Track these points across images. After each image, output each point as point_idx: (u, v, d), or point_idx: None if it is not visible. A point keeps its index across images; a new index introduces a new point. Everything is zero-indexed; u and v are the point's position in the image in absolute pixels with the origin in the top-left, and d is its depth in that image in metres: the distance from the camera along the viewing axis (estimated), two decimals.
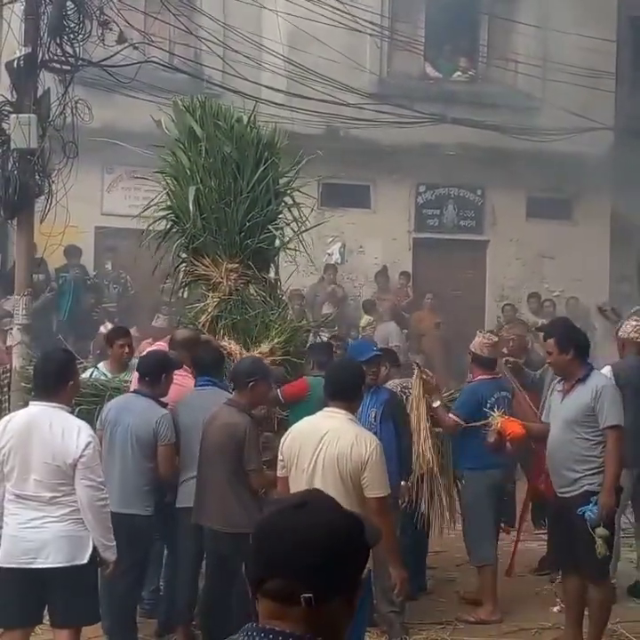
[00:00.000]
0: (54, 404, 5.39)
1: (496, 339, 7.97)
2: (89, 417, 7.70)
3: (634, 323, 8.13)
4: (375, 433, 6.33)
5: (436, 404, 7.61)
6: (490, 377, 7.66)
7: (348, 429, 5.29)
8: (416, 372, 7.79)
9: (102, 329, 13.25)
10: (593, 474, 6.42)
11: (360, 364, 6.22)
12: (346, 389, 5.45)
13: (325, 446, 5.25)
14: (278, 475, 5.50)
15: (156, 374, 6.57)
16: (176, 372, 6.92)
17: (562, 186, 16.67)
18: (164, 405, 6.63)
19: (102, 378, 8.17)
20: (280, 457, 5.47)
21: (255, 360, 6.84)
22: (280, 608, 1.95)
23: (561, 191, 17.25)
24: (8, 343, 10.93)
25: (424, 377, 7.69)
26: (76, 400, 7.70)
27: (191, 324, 8.31)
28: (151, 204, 8.79)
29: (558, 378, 6.83)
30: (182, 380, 7.11)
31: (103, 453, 6.36)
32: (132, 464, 6.47)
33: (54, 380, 5.45)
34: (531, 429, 7.00)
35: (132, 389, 6.87)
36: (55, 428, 5.32)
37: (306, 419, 5.59)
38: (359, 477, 5.17)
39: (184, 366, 7.17)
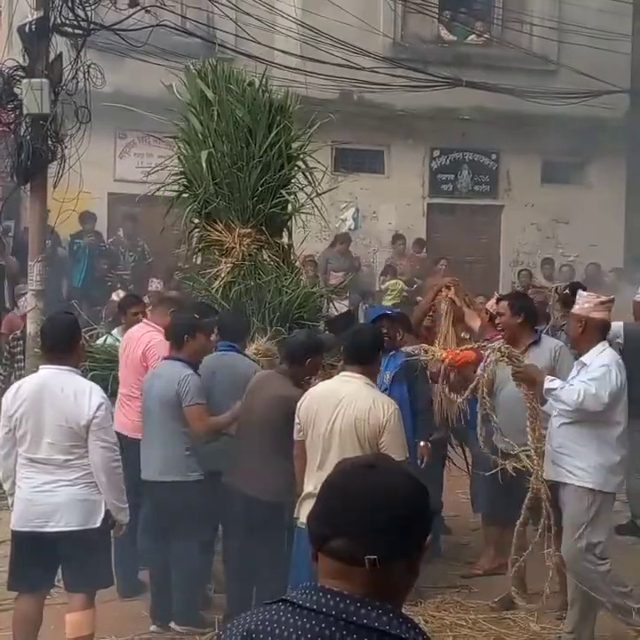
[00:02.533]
0: (64, 367, 5.42)
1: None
2: (103, 383, 7.74)
3: None
4: (388, 395, 6.37)
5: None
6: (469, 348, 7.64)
7: (365, 394, 5.32)
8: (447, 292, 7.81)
9: (114, 296, 13.24)
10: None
11: (378, 327, 6.23)
12: (362, 353, 5.48)
13: (343, 410, 5.27)
14: (295, 438, 5.53)
15: (178, 337, 6.53)
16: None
17: (577, 150, 16.53)
18: (195, 367, 6.55)
19: (116, 344, 8.20)
20: (297, 421, 5.49)
21: (310, 334, 6.72)
22: (342, 568, 1.95)
23: (576, 155, 17.11)
24: (23, 309, 10.95)
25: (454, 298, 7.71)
26: (90, 365, 7.80)
27: (204, 290, 8.32)
28: (163, 167, 8.76)
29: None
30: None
31: (142, 423, 6.52)
32: (166, 429, 6.39)
33: (62, 342, 5.46)
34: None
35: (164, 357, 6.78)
36: (67, 391, 5.34)
37: (323, 382, 5.61)
38: (377, 441, 5.21)
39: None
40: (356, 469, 2.01)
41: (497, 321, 7.05)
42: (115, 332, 8.54)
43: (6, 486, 5.58)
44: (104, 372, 7.72)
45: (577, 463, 6.00)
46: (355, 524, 1.93)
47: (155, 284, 12.46)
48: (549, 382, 6.04)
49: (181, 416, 6.34)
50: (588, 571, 6.00)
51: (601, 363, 6.02)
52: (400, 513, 1.95)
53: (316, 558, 2.01)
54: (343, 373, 5.52)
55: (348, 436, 5.20)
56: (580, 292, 6.47)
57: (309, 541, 2.04)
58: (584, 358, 6.13)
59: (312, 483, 5.30)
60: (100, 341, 8.40)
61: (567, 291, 8.58)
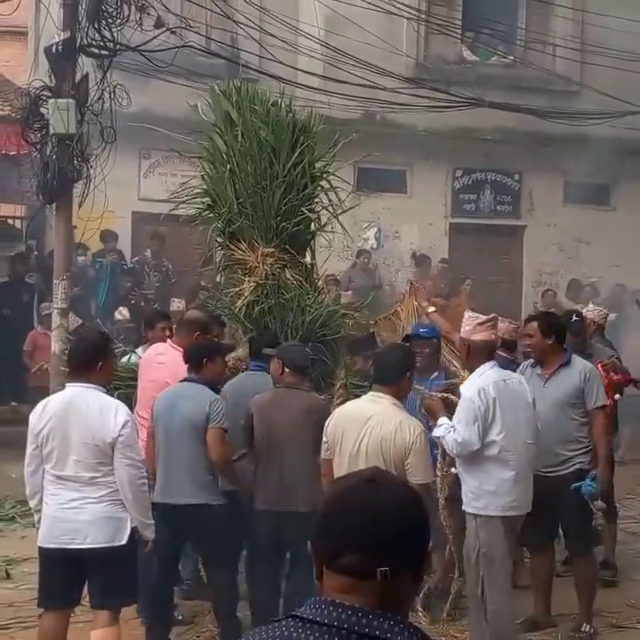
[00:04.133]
0: (90, 385, 5.44)
1: (518, 323, 8.22)
2: (127, 401, 7.78)
3: None
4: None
5: (431, 309, 7.86)
6: (510, 357, 7.73)
7: (392, 414, 5.32)
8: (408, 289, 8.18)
9: (117, 315, 13.28)
10: (583, 453, 6.66)
11: (407, 347, 6.21)
12: (391, 373, 5.48)
13: (370, 430, 5.28)
14: (322, 457, 5.54)
15: (197, 360, 6.50)
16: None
17: (600, 171, 16.51)
18: (217, 390, 6.54)
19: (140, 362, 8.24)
20: (325, 439, 5.51)
21: (303, 346, 6.89)
22: (352, 582, 1.95)
23: (599, 176, 17.09)
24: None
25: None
26: (115, 384, 7.81)
27: (227, 309, 8.35)
28: (187, 187, 8.82)
29: (530, 362, 6.97)
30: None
31: (160, 444, 6.39)
32: (194, 451, 6.29)
33: (89, 361, 5.48)
34: None
35: (182, 379, 6.70)
36: (93, 408, 5.36)
37: (351, 402, 5.63)
38: (402, 462, 5.21)
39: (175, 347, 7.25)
40: (358, 485, 2.01)
41: (526, 342, 7.02)
42: (139, 350, 8.56)
43: (33, 503, 5.60)
44: (128, 390, 7.76)
45: (463, 489, 6.06)
46: (362, 539, 1.94)
47: (176, 304, 12.50)
48: (437, 428, 6.05)
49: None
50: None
51: (466, 394, 5.96)
52: (406, 525, 1.97)
53: (321, 577, 2.01)
54: (371, 393, 5.53)
55: (374, 457, 5.20)
56: (465, 313, 6.38)
57: (314, 560, 2.02)
58: (463, 386, 6.17)
59: None
60: (123, 360, 8.44)
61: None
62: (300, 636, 1.95)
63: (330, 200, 8.73)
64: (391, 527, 1.95)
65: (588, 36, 16.30)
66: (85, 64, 10.51)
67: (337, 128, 9.37)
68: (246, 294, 8.16)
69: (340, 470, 5.34)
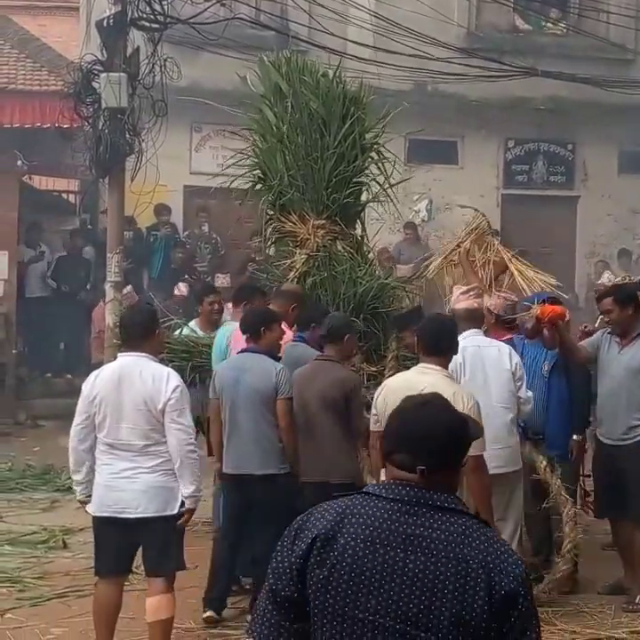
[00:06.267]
0: (143, 354, 5.49)
1: (516, 298, 7.77)
2: (181, 373, 7.85)
3: None
4: (547, 386, 6.73)
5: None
6: (514, 336, 7.39)
7: (445, 386, 5.25)
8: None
9: (176, 291, 13.38)
10: None
11: (451, 318, 6.24)
12: (441, 345, 5.50)
13: None
14: (372, 429, 5.55)
15: (255, 329, 6.49)
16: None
17: None
18: (278, 359, 6.53)
19: (193, 335, 8.30)
20: (374, 412, 5.51)
21: (344, 315, 6.96)
22: (404, 474, 2.54)
23: None
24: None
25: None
26: (168, 357, 7.89)
27: (278, 282, 8.36)
28: (238, 161, 8.82)
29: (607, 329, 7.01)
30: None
31: (227, 416, 6.42)
32: (264, 422, 6.32)
33: (142, 331, 5.55)
34: (568, 334, 6.99)
35: (240, 349, 6.70)
36: (145, 375, 5.42)
37: (400, 374, 5.62)
38: None
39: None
40: (415, 405, 2.64)
41: (606, 320, 7.01)
42: (192, 323, 8.60)
43: (78, 477, 5.59)
44: (182, 363, 7.84)
45: None
46: (411, 445, 2.54)
47: (221, 280, 12.51)
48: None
49: (274, 408, 6.33)
50: None
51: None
52: (444, 439, 2.54)
53: (385, 466, 2.62)
54: (420, 365, 5.52)
55: None
56: (454, 287, 6.81)
57: (380, 453, 2.76)
58: None
59: None
60: (176, 333, 8.50)
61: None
62: (373, 504, 2.50)
63: (380, 171, 8.69)
64: (432, 440, 2.53)
65: None
66: (136, 38, 10.56)
67: (387, 99, 9.32)
68: (298, 266, 8.16)
69: None
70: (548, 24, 17.11)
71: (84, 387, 5.57)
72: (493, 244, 8.12)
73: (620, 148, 17.11)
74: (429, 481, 2.50)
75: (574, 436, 7.11)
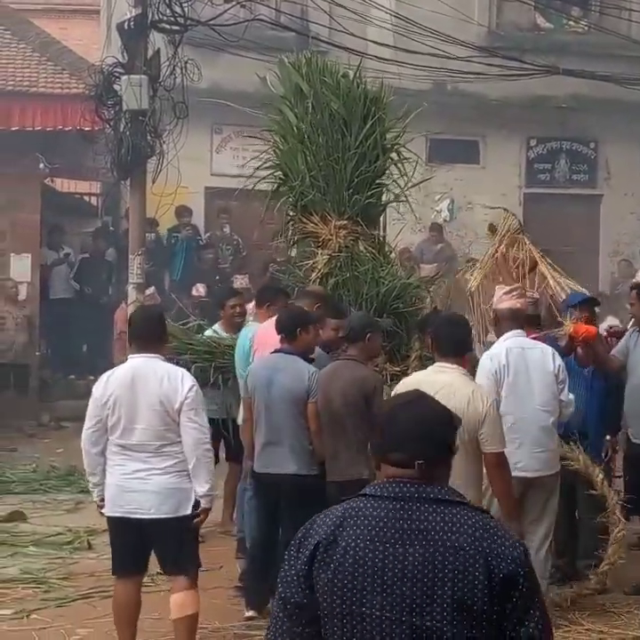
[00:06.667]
0: (154, 355, 5.51)
1: (537, 295, 7.78)
2: (204, 374, 7.90)
3: None
4: (589, 386, 6.82)
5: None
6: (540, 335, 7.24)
7: (463, 385, 5.31)
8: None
9: (194, 291, 13.40)
10: None
11: (465, 319, 6.24)
12: (457, 344, 5.48)
13: (441, 400, 5.26)
14: None
15: (290, 330, 6.45)
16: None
17: None
18: (311, 361, 6.50)
19: (216, 336, 8.33)
20: None
21: (367, 314, 6.94)
22: (399, 471, 2.63)
23: None
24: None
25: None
26: (191, 358, 7.92)
27: (300, 283, 8.36)
28: (260, 163, 8.82)
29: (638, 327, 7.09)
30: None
31: (259, 416, 6.41)
32: (296, 424, 6.32)
33: (155, 333, 5.59)
34: (601, 349, 6.97)
35: (273, 350, 6.63)
36: (160, 375, 5.43)
37: (417, 373, 5.61)
38: (476, 432, 5.21)
39: None
40: (402, 404, 2.76)
41: (631, 312, 7.15)
42: (216, 326, 8.62)
43: (95, 479, 5.58)
44: (205, 363, 7.87)
45: None
46: (405, 443, 2.63)
47: (239, 281, 12.51)
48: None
49: (305, 411, 6.31)
50: None
51: (482, 358, 6.25)
52: (434, 433, 2.66)
53: (379, 467, 2.70)
54: (437, 364, 5.50)
55: None
56: (497, 286, 6.73)
57: (373, 456, 2.77)
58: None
59: None
60: (198, 335, 8.52)
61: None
62: (373, 505, 2.59)
63: (401, 172, 8.67)
64: (424, 435, 2.64)
65: None
66: (157, 40, 10.58)
67: (408, 99, 9.30)
68: (320, 267, 8.16)
69: None
70: (570, 22, 17.03)
71: (94, 389, 5.55)
72: (525, 243, 8.08)
73: None
74: (426, 474, 2.61)
75: (608, 437, 7.13)
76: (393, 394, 5.51)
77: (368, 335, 6.53)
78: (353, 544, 2.54)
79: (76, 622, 6.40)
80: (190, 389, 5.41)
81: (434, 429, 2.67)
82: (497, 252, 8.01)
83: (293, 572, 2.59)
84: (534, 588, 2.54)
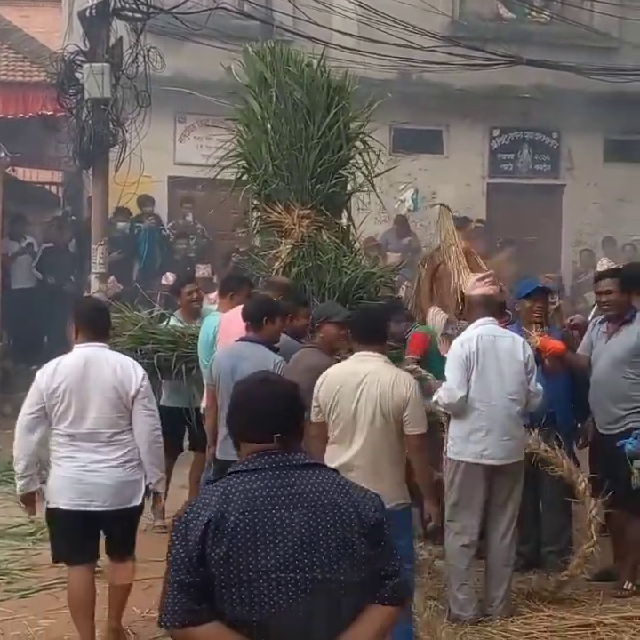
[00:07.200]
0: (103, 345, 5.57)
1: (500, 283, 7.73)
2: (167, 364, 7.88)
3: None
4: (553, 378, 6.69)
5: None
6: (506, 323, 7.26)
7: (386, 371, 5.51)
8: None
9: (163, 280, 13.33)
10: (637, 412, 6.61)
11: (383, 307, 6.34)
12: (378, 333, 5.68)
13: (366, 388, 5.43)
14: (313, 420, 5.52)
15: (256, 318, 6.46)
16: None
17: None
18: (276, 350, 6.50)
19: (179, 326, 8.30)
20: (315, 403, 5.51)
21: (328, 304, 6.96)
22: (260, 446, 2.90)
23: (639, 133, 16.83)
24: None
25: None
26: (154, 347, 7.90)
27: (263, 272, 8.36)
28: (225, 153, 8.80)
29: (600, 318, 6.97)
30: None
31: (222, 404, 6.39)
32: None
33: (104, 322, 5.69)
34: (569, 354, 6.97)
35: (238, 338, 6.63)
36: (112, 363, 5.49)
37: (339, 364, 5.69)
38: (400, 415, 5.41)
39: None
40: (254, 384, 3.02)
41: (603, 300, 6.84)
42: (177, 313, 8.61)
43: (20, 466, 5.51)
44: (168, 353, 7.84)
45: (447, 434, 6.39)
46: (262, 417, 2.91)
47: (202, 270, 12.45)
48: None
49: None
50: (447, 536, 6.25)
51: (453, 345, 6.30)
52: (289, 409, 2.96)
53: (239, 446, 2.97)
54: (359, 354, 5.58)
55: (372, 411, 5.37)
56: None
57: (231, 436, 3.02)
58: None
59: (343, 458, 5.38)
60: (162, 325, 8.49)
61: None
62: (244, 482, 2.83)
63: (365, 162, 8.68)
64: (278, 409, 2.92)
65: None
66: (119, 28, 10.52)
67: (373, 89, 9.30)
68: (283, 256, 8.16)
69: (339, 429, 5.43)
70: (532, 12, 17.10)
71: (40, 378, 5.48)
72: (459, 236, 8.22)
73: (605, 137, 17.13)
74: (285, 445, 2.89)
75: (579, 425, 7.17)
76: (318, 388, 5.56)
77: (319, 325, 6.48)
78: (241, 517, 2.77)
79: (39, 613, 6.36)
80: (143, 377, 5.53)
81: (287, 404, 2.96)
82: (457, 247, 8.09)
83: (183, 554, 2.76)
84: (391, 531, 2.94)
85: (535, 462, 6.55)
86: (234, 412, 3.00)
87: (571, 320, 8.02)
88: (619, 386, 6.68)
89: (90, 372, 5.44)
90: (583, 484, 6.51)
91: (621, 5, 16.05)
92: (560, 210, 17.51)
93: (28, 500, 5.62)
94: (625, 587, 6.71)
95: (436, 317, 7.73)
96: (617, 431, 6.64)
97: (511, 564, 6.39)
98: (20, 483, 5.57)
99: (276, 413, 2.92)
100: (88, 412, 5.41)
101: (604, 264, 9.14)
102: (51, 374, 5.46)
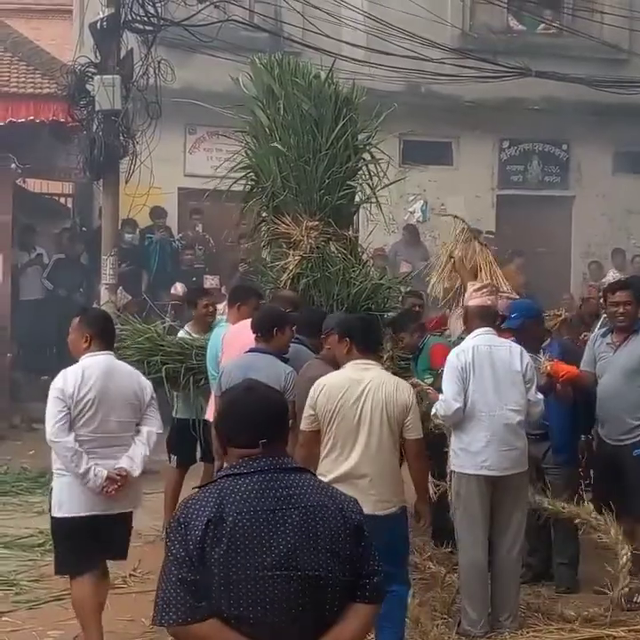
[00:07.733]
0: (111, 353, 5.75)
1: (516, 296, 7.92)
2: (175, 375, 7.89)
3: None
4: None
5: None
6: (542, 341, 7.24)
7: (387, 378, 5.62)
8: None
9: (172, 290, 13.35)
10: None
11: (376, 318, 6.41)
12: (377, 343, 5.84)
13: (370, 395, 5.45)
14: (306, 429, 5.51)
15: (266, 329, 6.48)
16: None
17: None
18: (286, 361, 6.51)
19: (188, 337, 8.31)
20: (311, 412, 5.48)
21: (335, 316, 6.92)
22: (246, 451, 3.01)
23: None
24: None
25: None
26: (162, 359, 7.91)
27: (271, 283, 8.37)
28: (233, 164, 8.81)
29: (602, 331, 7.02)
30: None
31: None
32: None
33: (113, 332, 5.92)
34: (583, 381, 6.92)
35: (248, 349, 6.62)
36: (127, 371, 5.77)
37: (335, 373, 5.68)
38: (403, 420, 5.47)
39: None
40: (241, 392, 3.14)
41: (620, 311, 6.79)
42: (187, 326, 8.60)
43: (82, 467, 5.47)
44: (176, 365, 7.86)
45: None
46: (249, 424, 3.03)
47: (209, 281, 12.47)
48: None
49: None
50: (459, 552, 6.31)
51: (449, 356, 6.31)
52: (273, 415, 3.08)
53: (225, 453, 3.08)
54: (358, 362, 5.57)
55: (377, 417, 5.40)
56: (469, 284, 6.78)
57: (218, 441, 3.13)
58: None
59: (345, 467, 5.38)
60: (170, 337, 8.49)
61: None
62: (238, 485, 2.93)
63: (374, 173, 8.69)
64: (264, 416, 3.05)
65: (637, 2, 16.02)
66: (130, 40, 10.56)
67: (381, 100, 9.32)
68: (291, 268, 8.17)
69: (341, 436, 5.40)
70: (542, 24, 17.11)
71: (63, 385, 5.50)
72: (475, 248, 8.14)
73: (614, 148, 17.12)
74: (271, 450, 3.01)
75: (582, 437, 7.14)
76: (314, 396, 5.54)
77: (325, 337, 6.42)
78: (239, 517, 2.88)
79: (48, 624, 6.38)
80: (150, 386, 5.82)
81: (272, 411, 3.09)
82: (452, 258, 8.08)
83: (183, 553, 2.84)
84: (370, 533, 3.06)
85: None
86: (221, 419, 3.13)
87: (584, 336, 8.06)
88: (632, 396, 6.68)
89: (113, 378, 5.62)
90: (625, 557, 6.30)
91: (631, 17, 16.06)
92: (569, 221, 17.48)
93: (111, 480, 5.57)
94: (635, 599, 6.68)
95: (459, 322, 7.64)
96: (630, 442, 6.65)
97: (519, 577, 6.37)
98: (94, 477, 5.48)
99: (261, 420, 3.04)
100: (111, 417, 5.58)
101: (610, 276, 9.14)
102: (78, 381, 5.51)
